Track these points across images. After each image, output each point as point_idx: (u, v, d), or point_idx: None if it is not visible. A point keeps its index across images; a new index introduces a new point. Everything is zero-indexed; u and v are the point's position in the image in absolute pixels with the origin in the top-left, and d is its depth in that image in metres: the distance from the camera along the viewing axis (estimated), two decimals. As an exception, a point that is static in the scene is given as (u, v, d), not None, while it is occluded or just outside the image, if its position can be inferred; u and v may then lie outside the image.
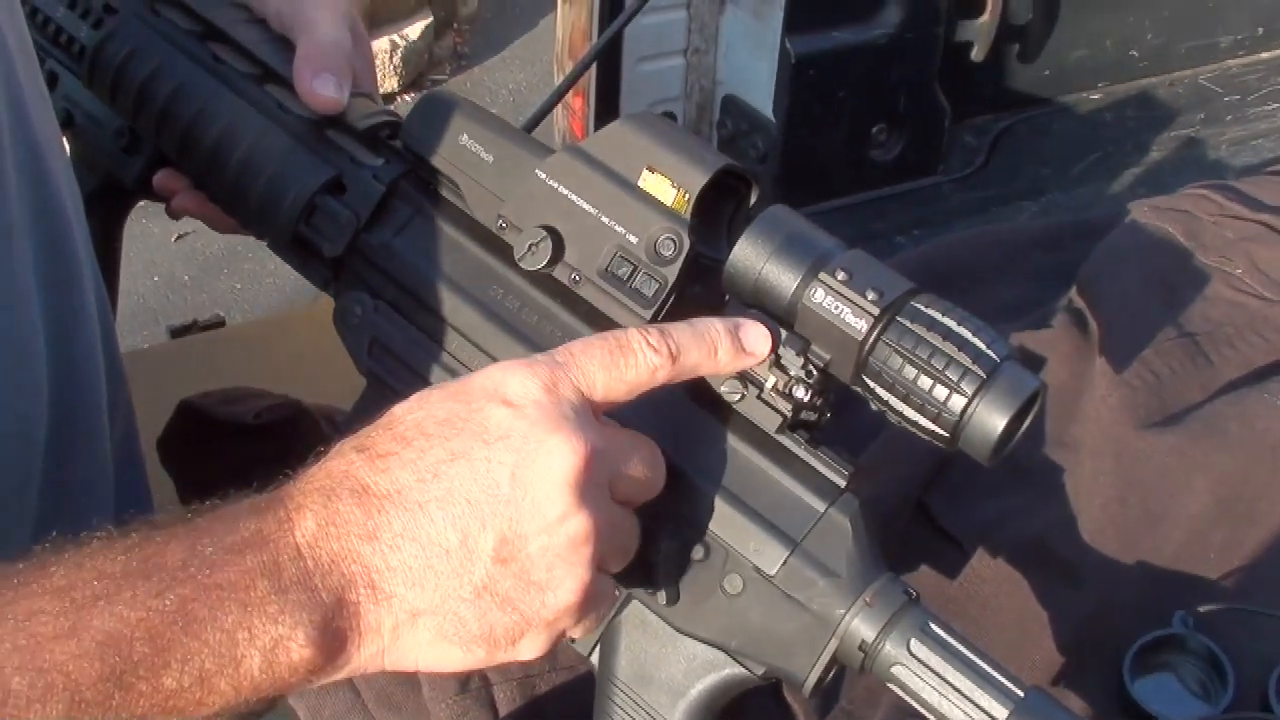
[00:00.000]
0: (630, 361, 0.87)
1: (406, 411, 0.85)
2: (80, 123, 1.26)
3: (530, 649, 0.86)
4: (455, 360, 1.01)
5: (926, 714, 0.91)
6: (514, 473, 0.82)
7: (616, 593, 1.01)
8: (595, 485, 0.84)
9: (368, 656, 0.83)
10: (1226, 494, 1.34)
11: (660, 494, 0.95)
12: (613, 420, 0.89)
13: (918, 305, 0.89)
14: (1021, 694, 0.88)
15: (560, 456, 0.82)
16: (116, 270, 1.35)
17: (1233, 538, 1.33)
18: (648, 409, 0.94)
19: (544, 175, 0.98)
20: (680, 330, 0.90)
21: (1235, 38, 2.39)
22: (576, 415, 0.84)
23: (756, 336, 0.91)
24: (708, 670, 0.97)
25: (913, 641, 0.90)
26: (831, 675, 0.94)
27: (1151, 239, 1.61)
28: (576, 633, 0.88)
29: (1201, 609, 1.26)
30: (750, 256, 0.92)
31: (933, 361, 0.87)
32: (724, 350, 0.91)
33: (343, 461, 0.83)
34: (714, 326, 0.91)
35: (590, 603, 0.86)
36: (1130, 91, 2.35)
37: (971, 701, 0.89)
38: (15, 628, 0.75)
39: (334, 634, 0.80)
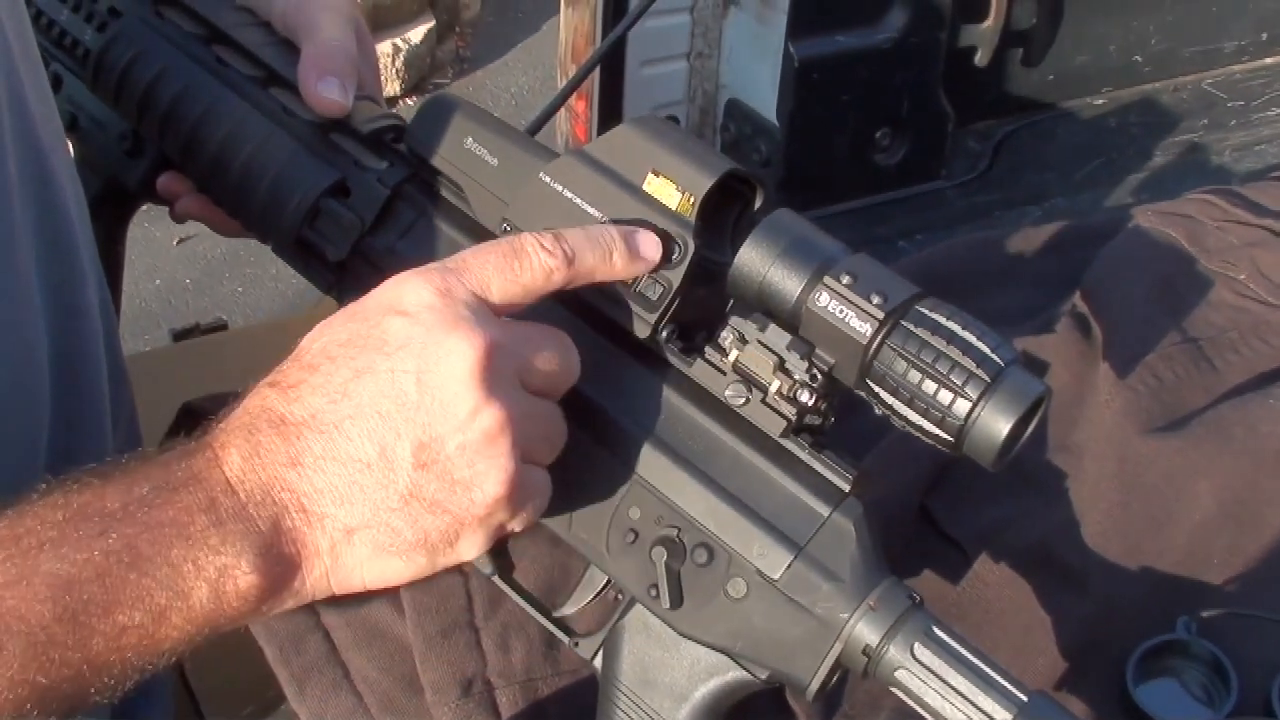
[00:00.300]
0: (525, 264, 0.89)
1: (311, 340, 0.87)
2: (84, 126, 1.26)
3: (470, 548, 0.88)
4: None
5: (930, 718, 0.90)
6: (419, 378, 0.84)
7: (618, 596, 1.01)
8: (501, 377, 0.86)
9: (314, 580, 0.86)
10: (1230, 499, 1.34)
11: (664, 497, 0.95)
12: (516, 318, 0.91)
13: (922, 309, 0.89)
14: (1025, 698, 0.88)
15: (460, 354, 0.84)
16: (120, 273, 1.36)
17: (1236, 543, 1.32)
18: (650, 411, 0.95)
19: (548, 178, 0.98)
20: (574, 234, 0.92)
21: (1239, 43, 2.39)
22: (472, 314, 0.86)
23: (647, 242, 0.93)
24: (711, 674, 0.97)
25: (917, 646, 0.90)
26: (835, 679, 0.94)
27: (1155, 244, 1.61)
28: (515, 525, 0.90)
29: (1205, 614, 1.26)
30: (755, 260, 0.92)
31: (937, 366, 0.87)
32: (618, 254, 0.92)
33: (258, 398, 0.85)
34: (608, 231, 0.93)
35: (520, 493, 0.88)
36: (1134, 97, 2.35)
37: (975, 706, 0.89)
38: None
39: (276, 559, 0.83)
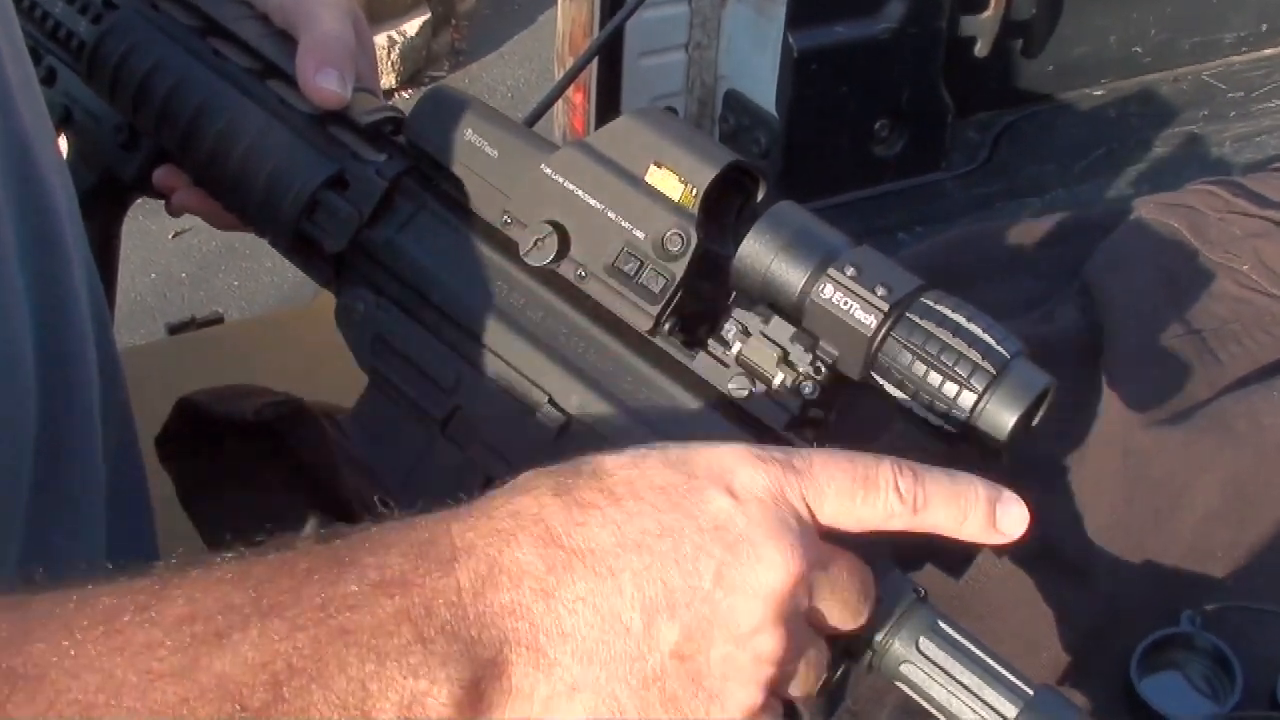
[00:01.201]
0: (871, 499, 0.80)
1: (618, 466, 0.78)
2: (79, 119, 1.26)
3: None
4: (459, 357, 1.01)
5: (935, 712, 0.90)
6: (719, 569, 0.75)
7: None
8: (797, 607, 0.77)
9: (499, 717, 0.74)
10: (1234, 492, 1.34)
11: None
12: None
13: (927, 301, 0.89)
14: (1031, 692, 0.88)
15: (772, 568, 0.75)
16: (115, 267, 1.35)
17: (1241, 536, 1.32)
18: (647, 403, 0.94)
19: (549, 170, 0.97)
20: (935, 482, 0.82)
21: (1239, 34, 2.39)
22: (799, 527, 0.77)
23: (1016, 517, 0.84)
24: (714, 669, 0.96)
25: (921, 640, 0.90)
26: (839, 674, 0.93)
27: (1157, 236, 1.61)
28: None
29: (1209, 607, 1.26)
30: (758, 252, 0.91)
31: (942, 358, 0.87)
32: (974, 520, 0.83)
33: (533, 501, 0.75)
34: (973, 490, 0.83)
35: None
36: (1134, 88, 2.34)
37: (980, 699, 0.88)
38: (129, 660, 0.68)
39: (480, 695, 0.72)
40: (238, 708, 0.68)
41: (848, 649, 0.87)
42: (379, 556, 0.72)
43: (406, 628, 0.70)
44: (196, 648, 0.69)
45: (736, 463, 0.78)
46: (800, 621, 0.78)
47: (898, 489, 0.80)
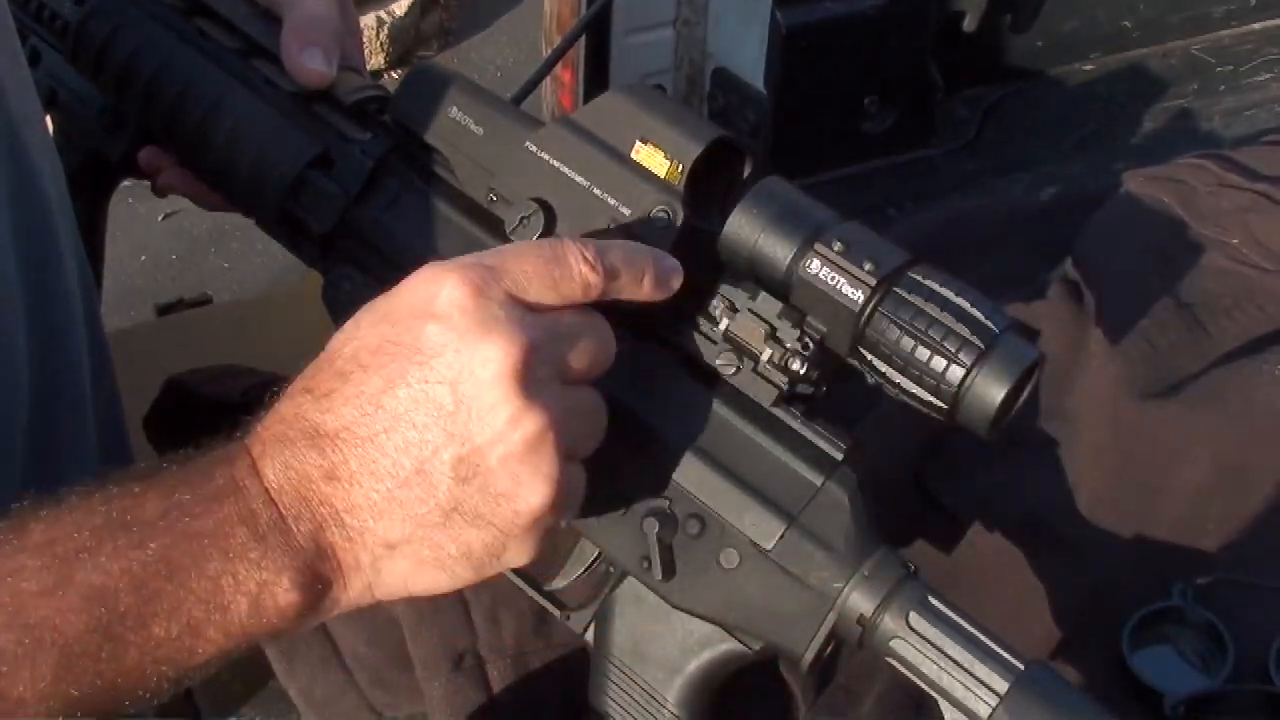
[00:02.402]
0: (565, 273, 0.84)
1: (342, 343, 0.83)
2: (64, 100, 1.25)
3: (518, 556, 0.85)
4: None
5: (925, 688, 0.90)
6: (454, 387, 0.80)
7: (610, 569, 1.00)
8: (540, 379, 0.82)
9: (356, 593, 0.83)
10: (1225, 465, 1.34)
11: (656, 469, 0.94)
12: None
13: (915, 276, 0.88)
14: (1021, 666, 0.88)
15: (495, 360, 0.80)
16: (101, 249, 1.35)
17: (1231, 509, 1.32)
18: (639, 381, 0.94)
19: (535, 147, 0.97)
20: (615, 252, 0.87)
21: (1228, 8, 2.38)
22: (507, 314, 0.81)
23: (671, 271, 0.90)
24: (704, 646, 0.97)
25: (912, 615, 0.90)
26: (829, 650, 0.93)
27: (1147, 209, 1.61)
28: (560, 522, 0.87)
29: (1200, 580, 1.26)
30: (745, 228, 0.91)
31: (930, 332, 0.87)
32: (649, 279, 0.88)
33: (292, 404, 0.82)
34: (644, 255, 0.89)
35: (565, 495, 0.84)
36: (1123, 63, 2.33)
37: (971, 674, 0.88)
38: None
39: (317, 576, 0.81)
40: (107, 612, 0.76)
41: None
42: (200, 473, 0.80)
43: (241, 529, 0.79)
44: (60, 565, 0.76)
45: (432, 285, 0.82)
46: (553, 388, 0.83)
47: (586, 260, 0.85)
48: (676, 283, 0.90)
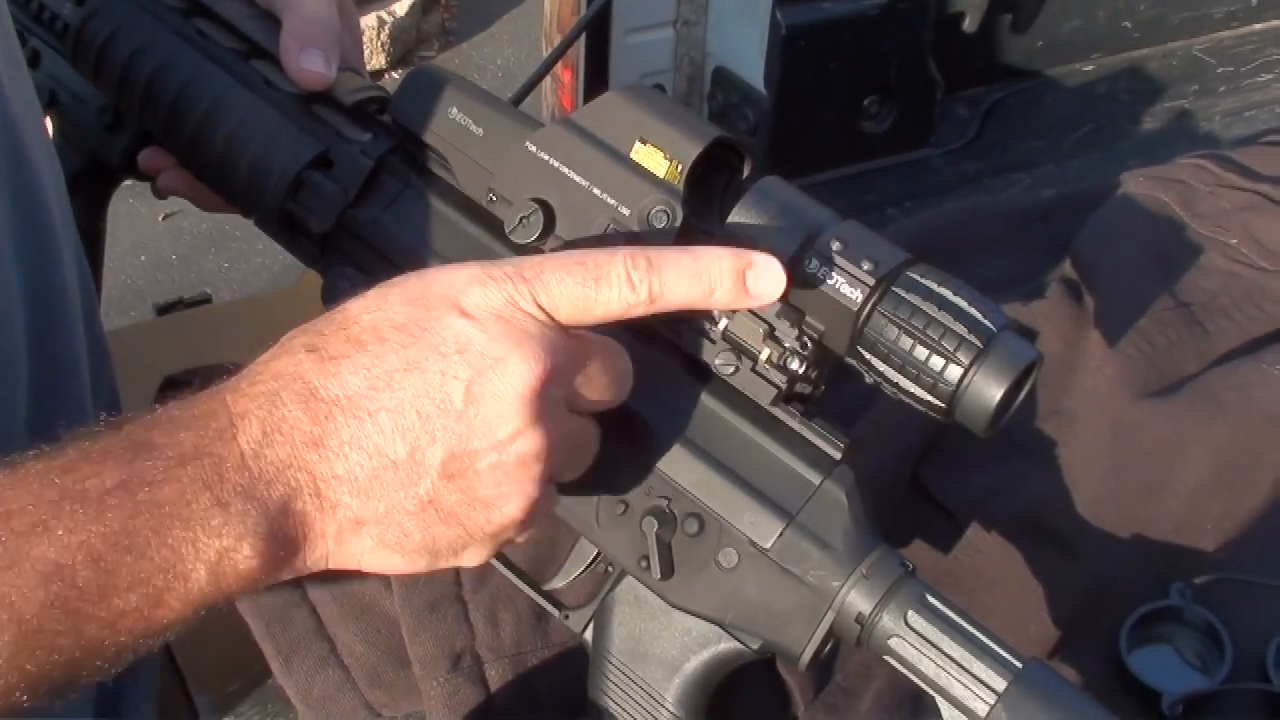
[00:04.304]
0: (604, 295, 0.84)
1: (363, 311, 0.83)
2: (64, 101, 1.25)
3: (473, 559, 0.86)
4: None
5: (924, 686, 0.90)
6: (468, 388, 0.80)
7: (609, 569, 1.00)
8: (551, 404, 0.83)
9: (313, 560, 0.83)
10: (1223, 464, 1.34)
11: (654, 469, 0.94)
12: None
13: (914, 275, 0.88)
14: (1020, 665, 0.88)
15: (516, 375, 0.81)
16: (101, 250, 1.35)
17: (1230, 508, 1.32)
18: (639, 381, 0.94)
19: (534, 148, 0.97)
20: (671, 267, 0.86)
21: (1229, 9, 2.38)
22: (538, 332, 0.82)
23: (768, 278, 0.87)
24: (702, 645, 0.97)
25: (910, 614, 0.90)
26: (828, 649, 0.94)
27: (1146, 209, 1.61)
28: (519, 540, 0.88)
29: (1198, 580, 1.26)
30: (744, 228, 0.91)
31: (929, 332, 0.87)
32: (723, 292, 0.87)
33: (291, 361, 0.81)
34: (719, 265, 0.86)
35: (534, 516, 0.86)
36: (1123, 63, 2.34)
37: (970, 673, 0.88)
38: None
39: (280, 543, 0.80)
40: (64, 587, 0.75)
41: None
42: (168, 435, 0.79)
43: (204, 494, 0.77)
44: (18, 540, 0.75)
45: (467, 284, 0.82)
46: (559, 413, 0.84)
47: (629, 279, 0.84)
48: (773, 291, 0.87)
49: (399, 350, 0.81)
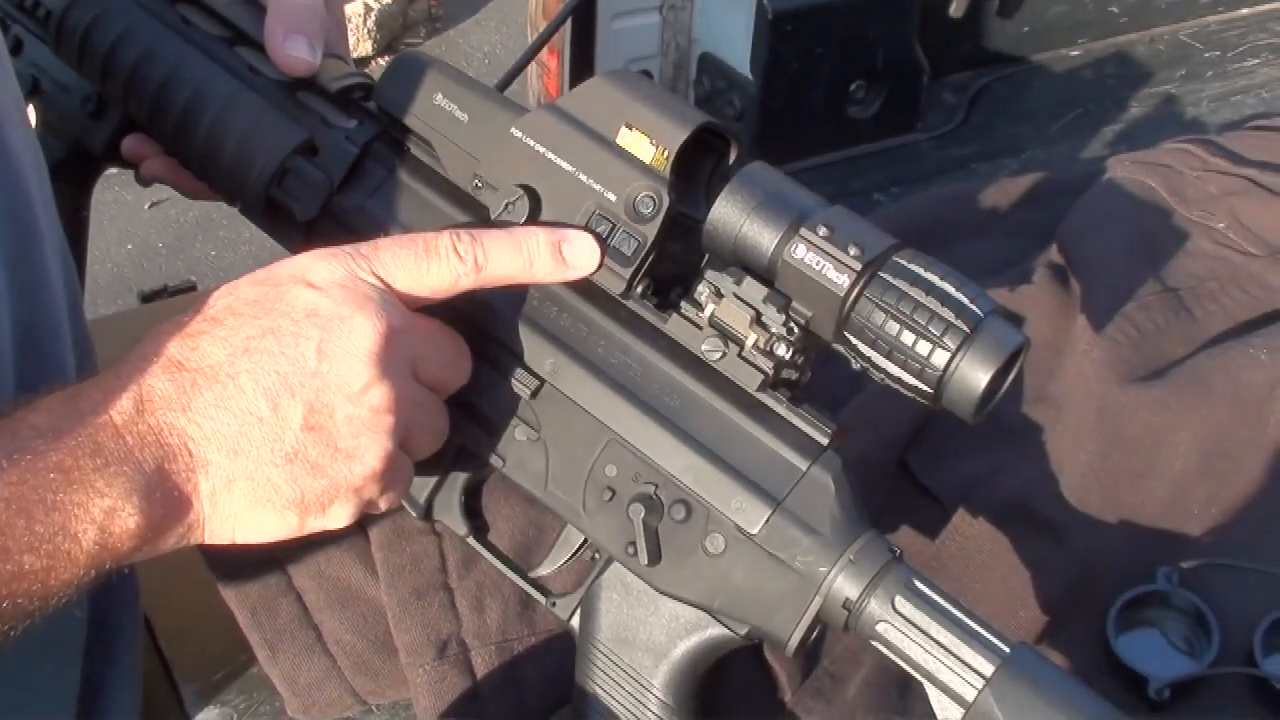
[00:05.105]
0: (434, 266, 0.93)
1: (218, 297, 0.90)
2: (47, 89, 1.25)
3: (338, 516, 0.92)
4: None
5: (912, 671, 0.90)
6: (320, 346, 0.88)
7: (595, 555, 1.00)
8: (396, 362, 0.90)
9: (193, 523, 0.88)
10: (1210, 449, 1.34)
11: (641, 454, 0.94)
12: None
13: (900, 261, 0.88)
14: (1008, 649, 0.88)
15: (362, 332, 0.88)
16: (84, 239, 1.34)
17: (1216, 493, 1.32)
18: (623, 366, 0.94)
19: (520, 133, 0.97)
20: (494, 240, 0.94)
21: (1215, -7, 2.38)
22: (379, 296, 0.90)
23: (581, 250, 0.95)
24: (690, 631, 0.97)
25: (897, 599, 0.90)
26: (815, 634, 0.94)
27: (1133, 194, 1.60)
28: (381, 504, 0.94)
29: (1185, 564, 1.26)
30: (730, 214, 0.91)
31: (916, 317, 0.87)
32: (541, 263, 0.95)
33: (154, 343, 0.88)
34: (534, 238, 0.94)
35: (393, 474, 0.93)
36: (1110, 48, 2.33)
37: (957, 657, 0.88)
38: None
39: (161, 501, 0.85)
40: None
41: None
42: (46, 415, 0.84)
43: (85, 460, 0.83)
44: None
45: (310, 262, 0.91)
46: (404, 374, 0.92)
47: (456, 252, 0.93)
48: (588, 260, 0.95)
49: (254, 320, 0.88)
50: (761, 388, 0.94)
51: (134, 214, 3.86)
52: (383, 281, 0.91)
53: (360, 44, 4.65)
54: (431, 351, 0.95)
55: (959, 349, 0.87)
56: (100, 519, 0.83)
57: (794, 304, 0.91)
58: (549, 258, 0.94)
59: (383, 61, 4.64)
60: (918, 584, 0.90)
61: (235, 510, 0.88)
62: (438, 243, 0.93)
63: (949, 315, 0.86)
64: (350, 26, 4.51)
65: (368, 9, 4.70)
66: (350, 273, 0.90)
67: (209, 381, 0.86)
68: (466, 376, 0.98)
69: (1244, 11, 2.42)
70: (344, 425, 0.89)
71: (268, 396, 0.87)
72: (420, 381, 0.94)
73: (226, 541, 0.90)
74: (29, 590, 0.82)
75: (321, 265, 0.90)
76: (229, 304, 0.89)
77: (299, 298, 0.89)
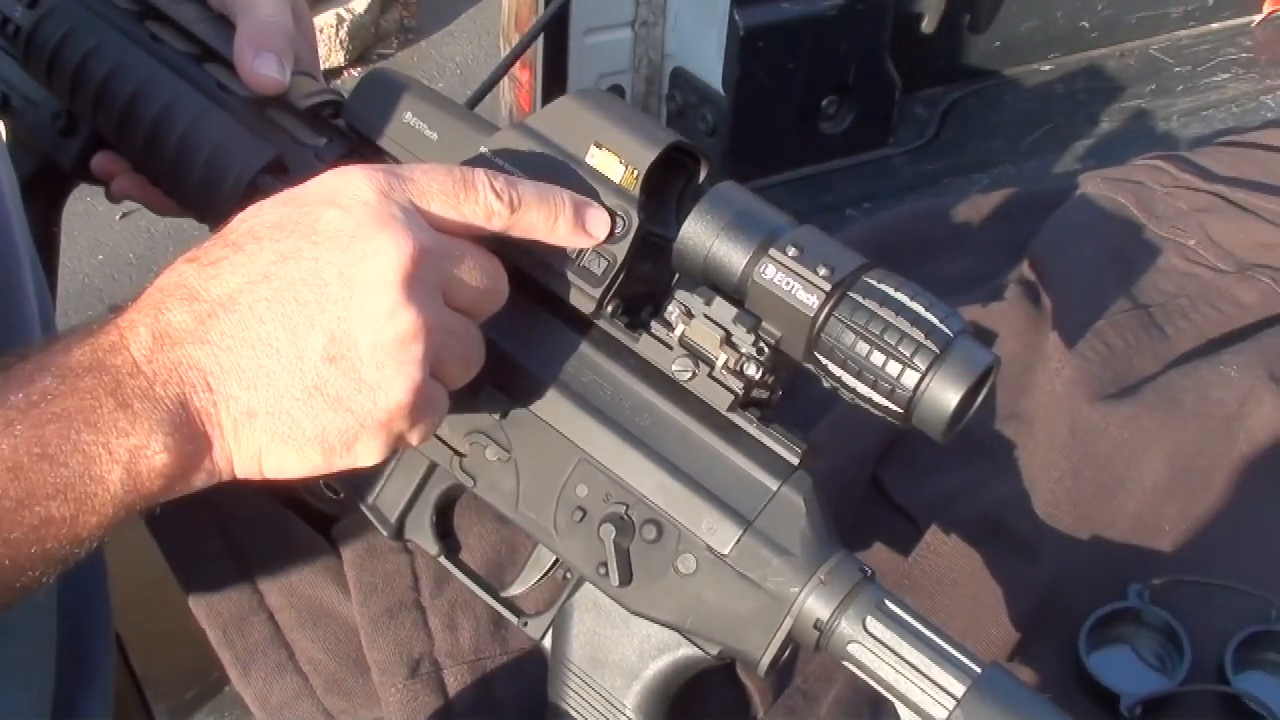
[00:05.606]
0: (471, 197, 0.88)
1: (241, 220, 0.86)
2: (17, 105, 1.24)
3: (367, 453, 0.87)
4: None
5: (883, 691, 0.90)
6: (341, 271, 0.83)
7: (567, 575, 1.00)
8: (424, 285, 0.85)
9: (220, 459, 0.85)
10: (1181, 465, 1.34)
11: (611, 474, 0.94)
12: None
13: (870, 280, 0.88)
14: (979, 669, 0.88)
15: (386, 254, 0.83)
16: (56, 254, 1.34)
17: (1187, 509, 1.33)
18: (594, 386, 0.94)
19: (489, 152, 0.96)
20: (527, 189, 0.91)
21: (1186, 8, 2.38)
22: (406, 216, 0.85)
23: (597, 220, 0.93)
24: (662, 651, 0.97)
25: (868, 619, 0.90)
26: (787, 654, 0.94)
27: (1104, 210, 1.61)
28: (412, 438, 0.89)
29: (1156, 581, 1.26)
30: (700, 234, 0.91)
31: (885, 337, 0.87)
32: (564, 222, 0.92)
33: (174, 273, 0.84)
34: (561, 197, 0.92)
35: (423, 406, 0.87)
36: (1081, 63, 2.34)
37: (928, 678, 0.88)
38: None
39: (187, 436, 0.82)
40: None
41: None
42: (64, 355, 0.82)
43: (106, 400, 0.80)
44: None
45: (341, 178, 0.86)
46: (434, 298, 0.86)
47: (493, 188, 0.89)
48: (600, 230, 0.93)
49: (274, 244, 0.84)
50: (732, 408, 0.94)
51: (105, 225, 3.84)
52: (414, 202, 0.86)
53: (332, 54, 4.64)
54: (464, 273, 0.88)
55: (929, 369, 0.86)
56: (125, 459, 0.80)
57: (764, 324, 0.91)
58: (571, 218, 0.92)
59: (355, 72, 4.63)
60: (889, 604, 0.90)
61: (258, 445, 0.85)
62: (475, 177, 0.89)
63: (919, 335, 0.86)
64: (322, 37, 4.51)
65: (340, 19, 4.69)
66: (380, 191, 0.85)
67: (226, 311, 0.82)
68: (503, 299, 0.92)
69: (1214, 26, 2.43)
70: (368, 355, 0.83)
71: (286, 326, 0.82)
72: (452, 306, 0.88)
73: (256, 478, 0.87)
74: (57, 534, 0.80)
75: (352, 183, 0.85)
76: (250, 227, 0.85)
77: (323, 218, 0.84)
